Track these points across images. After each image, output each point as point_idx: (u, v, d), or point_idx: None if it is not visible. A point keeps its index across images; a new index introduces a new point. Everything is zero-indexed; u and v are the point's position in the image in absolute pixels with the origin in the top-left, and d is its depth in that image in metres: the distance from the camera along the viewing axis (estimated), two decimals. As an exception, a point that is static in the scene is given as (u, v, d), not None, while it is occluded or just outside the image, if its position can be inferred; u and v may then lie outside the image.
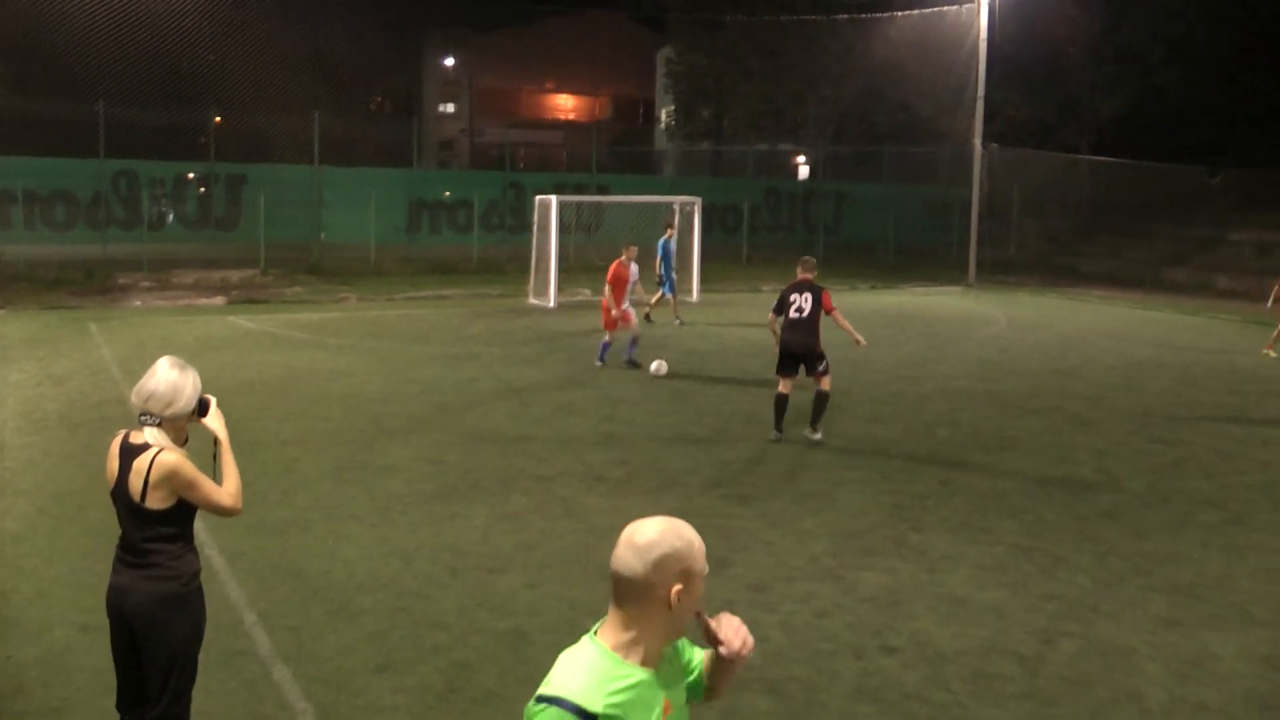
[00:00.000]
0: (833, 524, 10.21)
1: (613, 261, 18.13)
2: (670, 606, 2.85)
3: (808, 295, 13.10)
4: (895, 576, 8.88)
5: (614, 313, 17.58)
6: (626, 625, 2.88)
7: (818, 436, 13.27)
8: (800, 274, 13.42)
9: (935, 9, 36.67)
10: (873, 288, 32.08)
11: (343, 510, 10.18)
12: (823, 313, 13.11)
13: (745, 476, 11.76)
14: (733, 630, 2.95)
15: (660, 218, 27.23)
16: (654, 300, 23.47)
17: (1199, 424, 15.02)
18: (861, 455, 12.85)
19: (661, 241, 23.48)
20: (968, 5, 34.61)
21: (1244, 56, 43.74)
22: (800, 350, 13.09)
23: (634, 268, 18.38)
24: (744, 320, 23.41)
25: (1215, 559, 9.58)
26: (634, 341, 17.89)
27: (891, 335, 22.21)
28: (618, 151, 54.52)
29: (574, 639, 2.95)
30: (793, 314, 13.10)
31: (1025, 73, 41.51)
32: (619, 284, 17.71)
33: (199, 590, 5.20)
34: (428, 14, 64.76)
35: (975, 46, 34.04)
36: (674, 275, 23.33)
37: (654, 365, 17.15)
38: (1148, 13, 42.36)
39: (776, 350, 13.45)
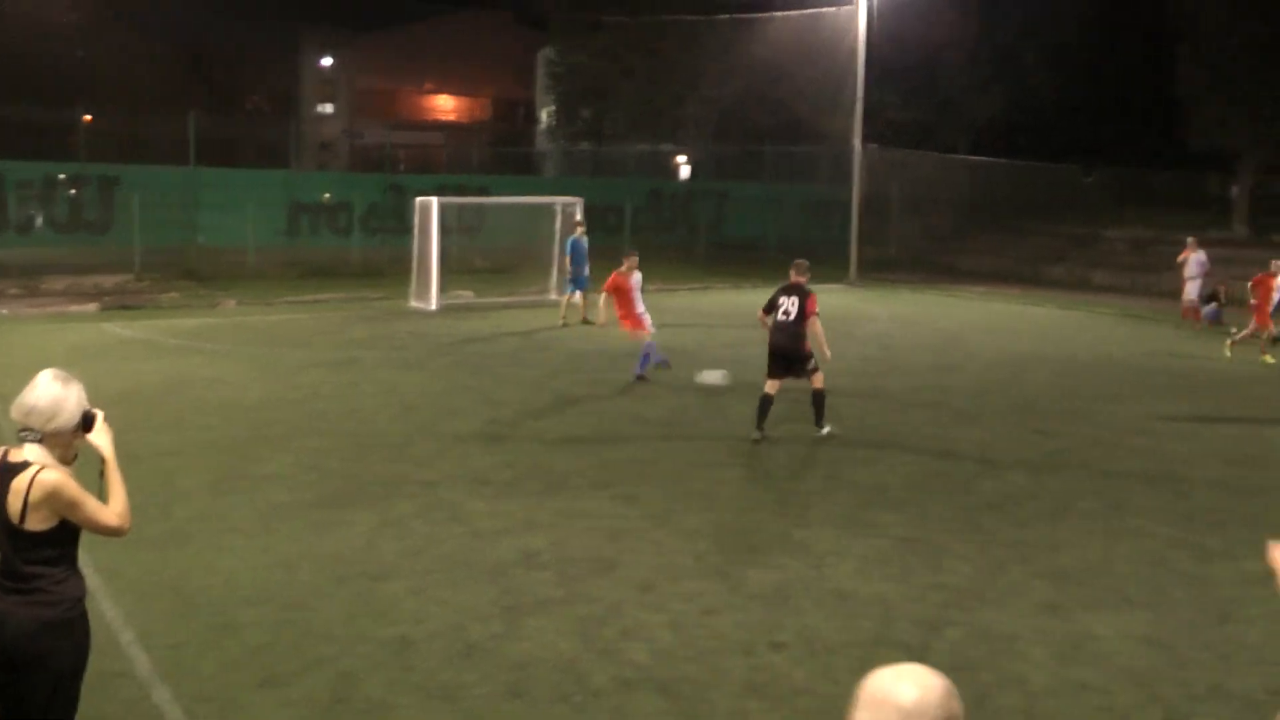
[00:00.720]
0: (719, 522, 10.24)
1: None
2: None
3: (795, 299, 13.19)
4: (782, 573, 8.93)
5: (627, 320, 17.08)
6: None
7: (825, 431, 13.47)
8: (793, 276, 13.48)
9: (815, 10, 37.05)
10: (755, 286, 32.26)
11: (223, 522, 9.94)
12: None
13: (631, 476, 11.73)
14: None
15: (543, 218, 27.29)
16: (565, 300, 23.53)
17: (1077, 415, 15.39)
18: (746, 453, 12.92)
19: (571, 240, 23.62)
20: (846, 7, 35.02)
21: (1115, 59, 45.14)
22: (785, 352, 13.20)
23: (637, 276, 17.35)
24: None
25: (1094, 544, 9.82)
26: (648, 351, 17.23)
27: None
28: (499, 152, 54.16)
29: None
30: (780, 317, 13.22)
31: (904, 74, 42.23)
32: (620, 293, 17.05)
33: (84, 615, 4.95)
34: (304, 13, 63.65)
35: (854, 48, 34.45)
36: (587, 274, 23.28)
37: (668, 366, 16.93)
38: (1022, 16, 43.44)
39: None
